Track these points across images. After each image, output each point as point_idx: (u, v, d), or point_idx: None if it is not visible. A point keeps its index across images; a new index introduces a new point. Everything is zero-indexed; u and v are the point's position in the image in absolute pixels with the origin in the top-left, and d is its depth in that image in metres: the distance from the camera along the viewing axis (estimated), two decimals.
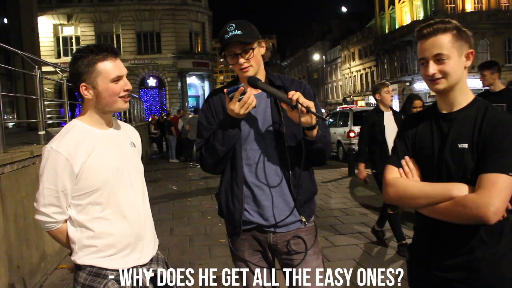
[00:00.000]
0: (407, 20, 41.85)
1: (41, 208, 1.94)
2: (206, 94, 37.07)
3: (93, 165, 1.94)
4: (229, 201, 2.29)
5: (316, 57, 66.59)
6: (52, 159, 1.89)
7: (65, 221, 2.00)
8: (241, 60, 2.18)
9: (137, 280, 2.03)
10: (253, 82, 2.20)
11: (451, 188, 1.74)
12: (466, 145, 1.75)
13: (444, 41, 1.78)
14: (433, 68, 1.80)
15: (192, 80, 37.59)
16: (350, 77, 57.54)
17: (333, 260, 5.05)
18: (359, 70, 54.45)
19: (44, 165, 1.91)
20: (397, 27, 43.29)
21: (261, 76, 2.28)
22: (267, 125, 2.23)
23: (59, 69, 8.09)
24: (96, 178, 1.95)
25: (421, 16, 39.94)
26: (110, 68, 1.95)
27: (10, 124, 13.73)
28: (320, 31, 70.11)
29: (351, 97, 55.37)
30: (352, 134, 14.67)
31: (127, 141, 2.18)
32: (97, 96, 1.97)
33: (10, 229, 4.05)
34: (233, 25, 2.18)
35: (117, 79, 1.97)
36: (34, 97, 6.01)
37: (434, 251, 1.90)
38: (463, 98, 1.84)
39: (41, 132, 5.79)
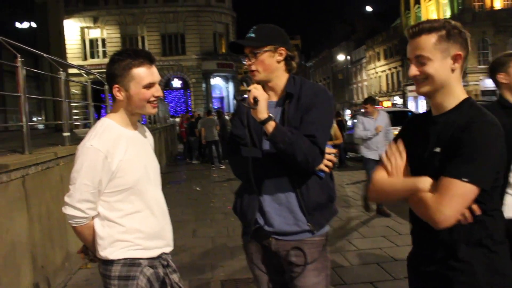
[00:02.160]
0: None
1: (76, 203, 1.99)
2: (231, 95, 37.23)
3: (128, 164, 2.04)
4: (244, 199, 2.29)
5: (341, 57, 66.08)
6: (92, 156, 1.97)
7: (93, 217, 2.07)
8: (248, 62, 2.22)
9: (166, 265, 2.19)
10: (243, 79, 2.26)
11: (417, 181, 1.70)
12: (439, 149, 1.71)
13: (427, 43, 1.71)
14: (413, 69, 1.75)
15: (216, 81, 37.76)
16: (376, 77, 56.92)
17: (356, 264, 4.97)
18: (385, 70, 53.80)
19: (83, 162, 1.98)
20: None
21: (279, 83, 2.26)
22: None
23: (84, 72, 8.19)
24: (129, 176, 2.04)
25: (447, 14, 39.20)
26: (144, 74, 2.04)
27: (40, 126, 14.03)
28: (345, 31, 69.52)
29: (377, 97, 54.80)
30: None
31: (147, 142, 2.30)
32: (128, 99, 2.06)
33: (34, 229, 4.10)
34: (254, 28, 2.23)
35: (149, 85, 2.05)
36: (59, 99, 6.09)
37: (417, 255, 1.87)
38: (450, 101, 1.76)
39: (66, 134, 5.86)
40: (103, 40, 35.08)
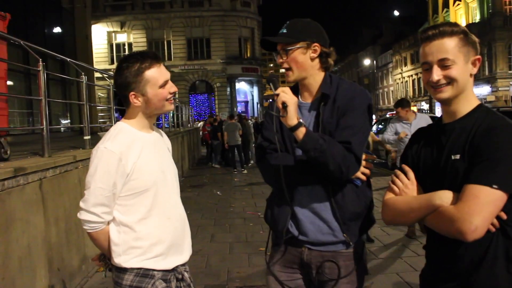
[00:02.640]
0: (462, 23, 40.34)
1: (91, 208, 1.94)
2: (255, 99, 37.25)
3: (143, 166, 2.00)
4: (275, 207, 2.16)
5: (367, 62, 65.51)
6: (106, 159, 1.93)
7: (108, 222, 2.03)
8: (279, 60, 2.10)
9: (180, 278, 2.13)
10: (269, 80, 2.14)
11: (432, 198, 1.61)
12: (458, 156, 1.62)
13: (450, 45, 1.64)
14: (437, 73, 1.65)
15: (241, 85, 37.86)
16: (402, 82, 56.19)
17: (374, 273, 4.85)
18: (411, 75, 53.06)
19: (97, 165, 1.94)
20: None
21: (313, 82, 2.12)
22: None
23: (106, 76, 8.29)
24: (145, 179, 2.00)
25: (477, 18, 38.44)
26: (157, 74, 2.02)
27: (64, 129, 14.28)
28: (371, 36, 68.93)
29: None
30: None
31: (164, 145, 2.26)
32: (147, 102, 2.03)
33: (51, 232, 4.13)
34: (287, 23, 2.12)
35: (164, 84, 2.03)
36: (80, 102, 6.15)
37: (434, 271, 1.75)
38: (465, 107, 1.70)
39: (86, 137, 5.92)
40: (130, 45, 35.60)
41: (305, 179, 2.05)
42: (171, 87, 2.06)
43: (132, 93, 2.01)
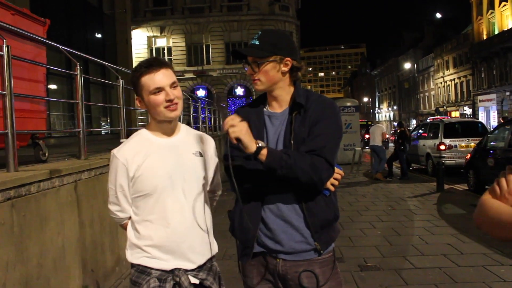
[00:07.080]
0: (508, 25, 39.02)
1: (108, 205, 2.18)
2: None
3: (146, 172, 2.06)
4: (243, 218, 2.09)
5: (407, 65, 64.27)
6: (114, 163, 2.11)
7: (129, 218, 2.18)
8: (249, 71, 2.09)
9: (178, 282, 2.05)
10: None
11: None
12: None
13: None
14: None
15: None
16: (444, 86, 54.77)
17: (411, 283, 4.68)
18: (454, 79, 51.64)
19: (110, 168, 2.14)
20: (496, 32, 40.51)
21: (283, 94, 2.12)
22: (280, 146, 2.06)
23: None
24: (147, 183, 2.06)
25: None
26: (150, 81, 2.04)
27: (103, 132, 14.63)
28: (412, 39, 67.57)
29: (444, 107, 52.64)
30: (442, 147, 13.85)
31: (190, 150, 2.19)
32: (147, 107, 2.11)
33: (85, 234, 4.18)
34: (259, 33, 2.10)
35: (157, 91, 2.04)
36: (117, 106, 6.25)
37: None
38: None
39: (122, 140, 6.00)
40: (169, 49, 36.20)
41: (276, 187, 2.02)
42: (168, 95, 2.03)
43: (137, 97, 2.13)
